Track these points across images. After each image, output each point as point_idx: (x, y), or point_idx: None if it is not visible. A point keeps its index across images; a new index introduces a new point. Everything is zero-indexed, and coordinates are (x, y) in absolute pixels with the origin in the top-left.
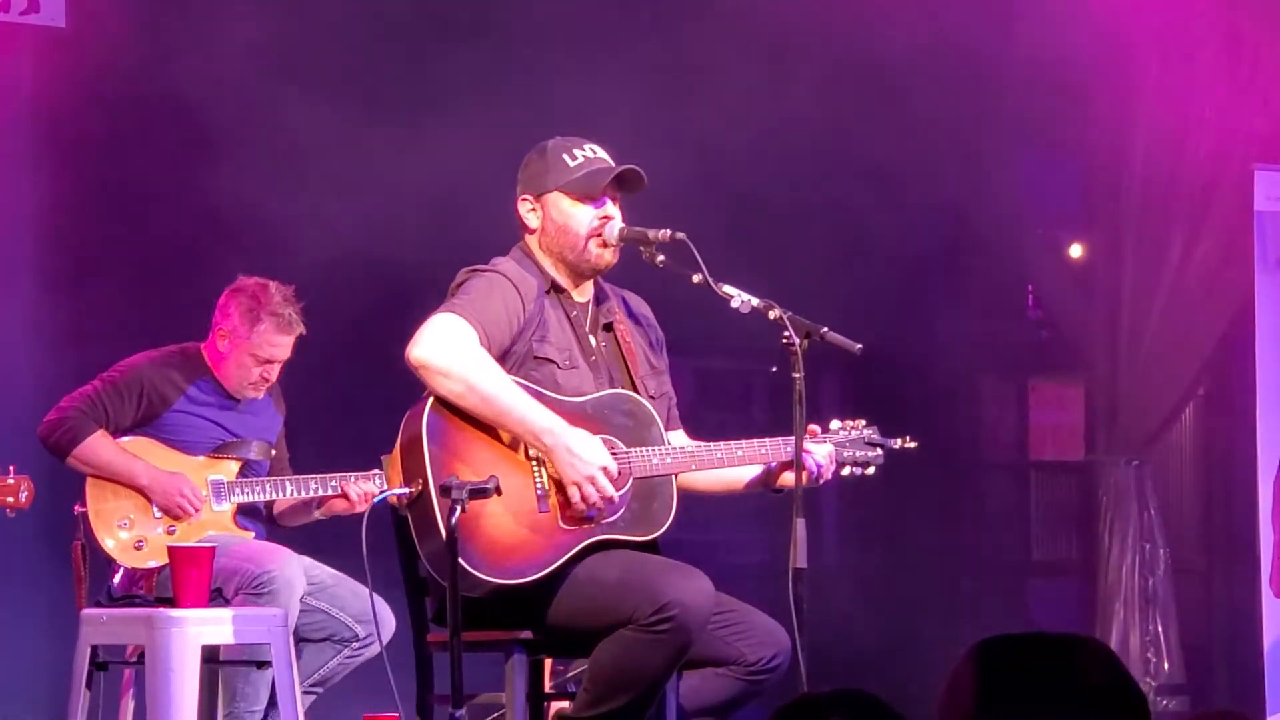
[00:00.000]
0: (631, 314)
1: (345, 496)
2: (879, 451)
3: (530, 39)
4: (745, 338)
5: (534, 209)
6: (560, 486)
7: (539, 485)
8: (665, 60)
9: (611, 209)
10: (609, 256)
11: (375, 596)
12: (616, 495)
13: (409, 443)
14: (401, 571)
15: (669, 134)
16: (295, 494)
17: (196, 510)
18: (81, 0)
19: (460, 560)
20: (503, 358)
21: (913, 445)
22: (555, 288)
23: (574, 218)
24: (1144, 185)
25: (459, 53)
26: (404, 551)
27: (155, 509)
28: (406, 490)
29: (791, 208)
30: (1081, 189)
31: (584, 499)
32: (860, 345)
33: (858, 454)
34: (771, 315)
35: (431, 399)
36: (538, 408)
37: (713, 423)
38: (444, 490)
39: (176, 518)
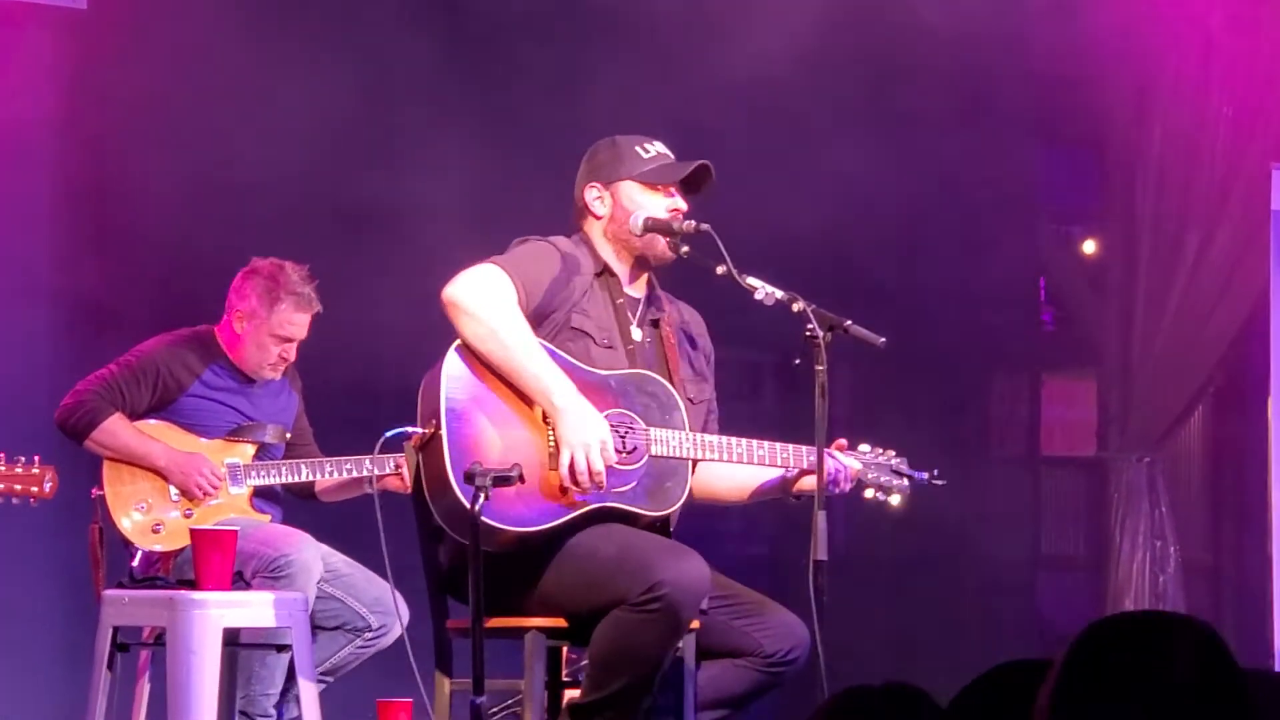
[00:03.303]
0: (683, 321)
1: (399, 475)
2: (905, 482)
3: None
4: (755, 327)
5: (601, 196)
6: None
7: (551, 442)
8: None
9: (681, 202)
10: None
11: (390, 588)
12: (604, 477)
13: (429, 382)
14: (421, 556)
15: (669, 122)
16: (311, 477)
17: (215, 489)
18: None
19: (466, 501)
20: (539, 323)
21: (940, 482)
22: (608, 271)
23: (646, 207)
24: (1159, 181)
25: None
26: (424, 535)
27: (173, 491)
28: (420, 431)
29: (800, 200)
30: (1097, 184)
31: (573, 465)
32: (884, 339)
33: (882, 479)
34: (795, 308)
35: (454, 347)
36: (554, 369)
37: (721, 414)
38: (468, 477)
39: (194, 498)
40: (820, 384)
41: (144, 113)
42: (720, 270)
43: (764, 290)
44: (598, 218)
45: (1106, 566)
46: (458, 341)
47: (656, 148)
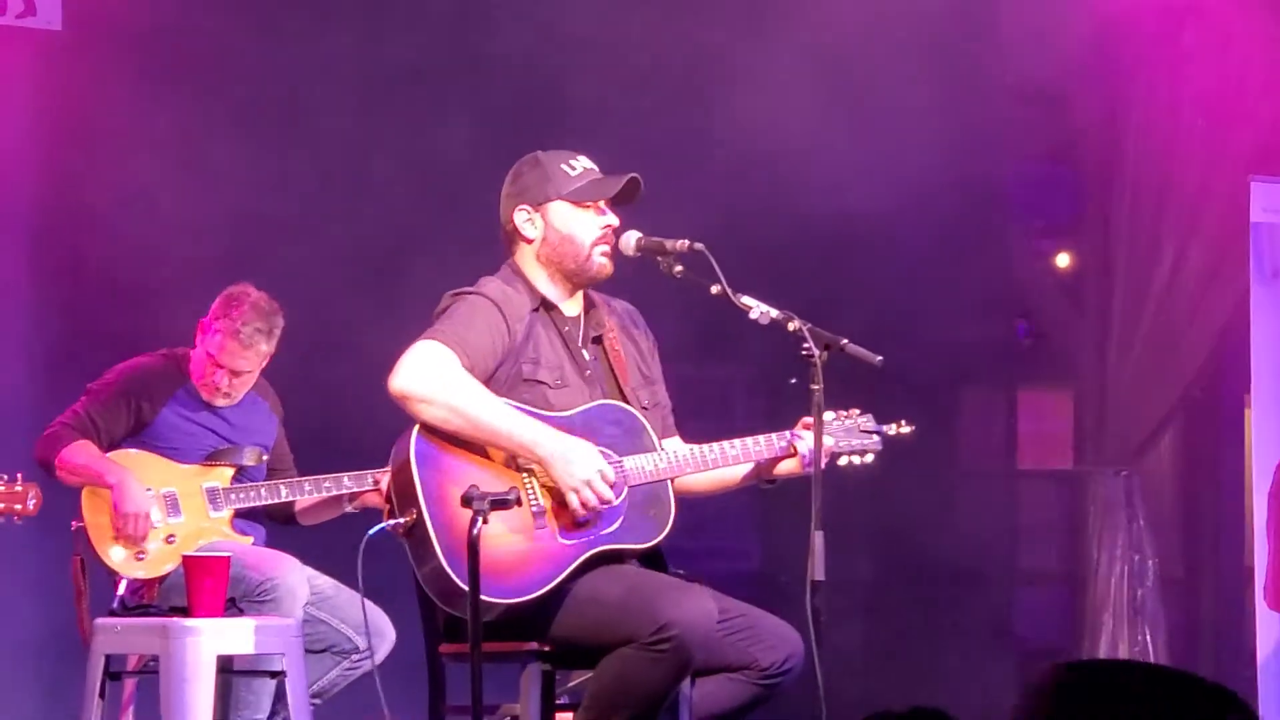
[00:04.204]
0: (622, 323)
1: (378, 490)
2: (875, 439)
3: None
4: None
5: (531, 219)
6: (556, 499)
7: (534, 502)
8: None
9: (613, 217)
10: (610, 266)
11: (375, 608)
12: (615, 499)
13: (399, 472)
14: (414, 582)
15: (666, 137)
16: (290, 497)
17: (135, 537)
18: (78, 3)
19: (460, 583)
20: (489, 381)
21: (908, 430)
22: (545, 304)
23: (579, 226)
24: (1134, 194)
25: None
26: (419, 584)
27: (155, 517)
28: (401, 521)
29: (779, 214)
30: (1071, 197)
31: (582, 504)
32: (881, 358)
33: (854, 442)
34: (791, 327)
35: (415, 432)
36: (526, 421)
37: (692, 429)
38: (465, 501)
39: (121, 532)
40: (816, 403)
41: (121, 134)
42: (715, 290)
43: (759, 309)
44: (528, 241)
45: (1084, 580)
46: (417, 426)
47: (583, 163)
